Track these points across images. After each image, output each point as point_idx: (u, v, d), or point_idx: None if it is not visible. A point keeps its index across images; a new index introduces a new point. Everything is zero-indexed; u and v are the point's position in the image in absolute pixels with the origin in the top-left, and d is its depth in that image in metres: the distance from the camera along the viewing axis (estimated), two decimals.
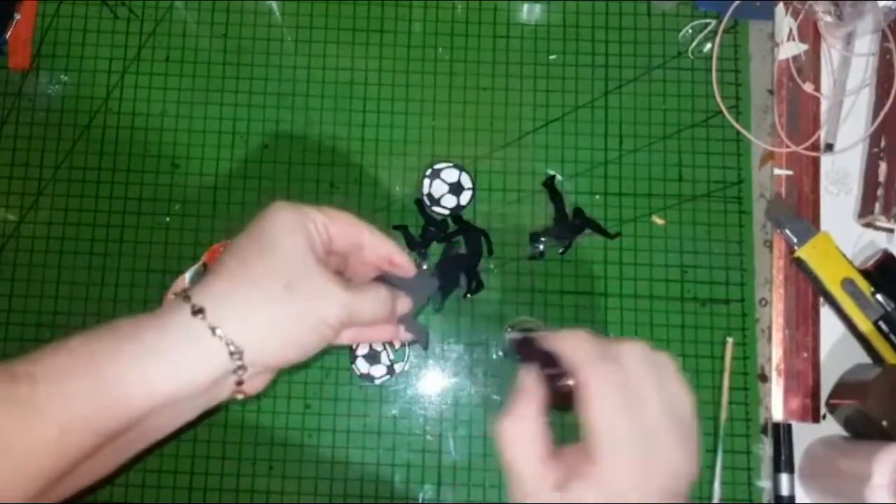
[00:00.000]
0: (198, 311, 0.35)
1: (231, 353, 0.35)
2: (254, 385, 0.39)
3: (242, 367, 0.36)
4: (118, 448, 0.35)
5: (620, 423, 0.33)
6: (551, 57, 0.64)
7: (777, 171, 0.61)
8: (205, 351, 0.35)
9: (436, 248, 0.61)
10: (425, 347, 0.59)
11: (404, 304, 0.43)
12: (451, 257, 0.60)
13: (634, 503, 0.33)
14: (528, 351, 0.39)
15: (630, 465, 0.33)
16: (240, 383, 0.37)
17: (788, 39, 0.63)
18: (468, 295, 0.60)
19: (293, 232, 0.38)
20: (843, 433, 0.57)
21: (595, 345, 0.36)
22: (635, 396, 0.34)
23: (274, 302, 0.36)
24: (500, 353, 0.40)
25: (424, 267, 0.60)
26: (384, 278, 0.44)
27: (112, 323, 0.35)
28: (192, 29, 0.64)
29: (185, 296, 0.36)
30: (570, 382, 0.36)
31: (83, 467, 0.34)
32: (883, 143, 0.60)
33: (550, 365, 0.37)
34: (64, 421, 0.32)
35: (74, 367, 0.33)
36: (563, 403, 0.37)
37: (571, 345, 0.36)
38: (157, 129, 0.63)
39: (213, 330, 0.35)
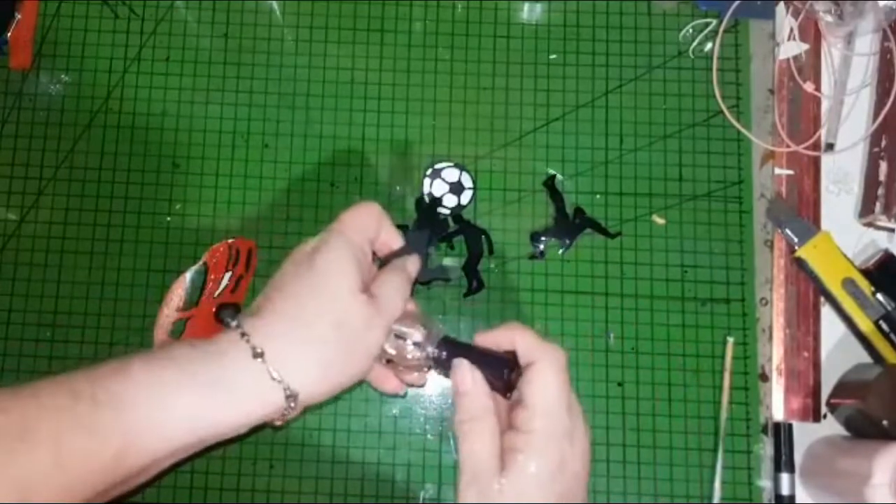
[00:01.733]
0: (258, 355, 0.36)
1: (287, 397, 0.36)
2: (294, 413, 0.40)
3: (293, 408, 0.37)
4: (153, 470, 0.37)
5: (564, 398, 0.38)
6: (551, 57, 0.64)
7: (778, 171, 0.61)
8: (263, 394, 0.36)
9: (436, 249, 0.61)
10: (449, 280, 0.59)
11: (414, 263, 0.44)
12: (422, 211, 0.61)
13: (565, 463, 0.37)
14: (456, 354, 0.41)
15: (561, 433, 0.37)
16: (285, 416, 0.38)
17: (789, 39, 0.63)
18: (468, 295, 0.60)
19: (345, 270, 0.39)
20: (844, 433, 0.57)
21: (534, 331, 0.40)
22: (566, 376, 0.39)
23: (326, 344, 0.37)
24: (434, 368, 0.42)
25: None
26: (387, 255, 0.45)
27: (170, 350, 0.36)
28: (193, 29, 0.64)
29: (241, 332, 0.37)
30: (514, 377, 0.39)
31: (126, 483, 0.35)
32: (884, 143, 0.60)
33: (482, 361, 0.40)
34: (121, 448, 0.33)
35: (136, 396, 0.34)
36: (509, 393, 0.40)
37: (518, 333, 0.40)
38: (158, 128, 0.63)
39: (271, 375, 0.36)
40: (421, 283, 0.59)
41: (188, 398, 0.35)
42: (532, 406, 0.38)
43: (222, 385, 0.36)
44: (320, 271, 0.39)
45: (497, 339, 0.41)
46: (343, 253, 0.40)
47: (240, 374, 0.36)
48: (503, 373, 0.39)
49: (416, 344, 0.41)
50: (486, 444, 0.38)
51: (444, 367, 0.41)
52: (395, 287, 0.42)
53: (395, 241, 0.45)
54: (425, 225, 0.60)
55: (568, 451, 0.37)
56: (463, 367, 0.40)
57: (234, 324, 0.37)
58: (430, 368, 0.43)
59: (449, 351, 0.41)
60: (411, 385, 0.45)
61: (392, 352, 0.42)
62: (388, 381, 0.44)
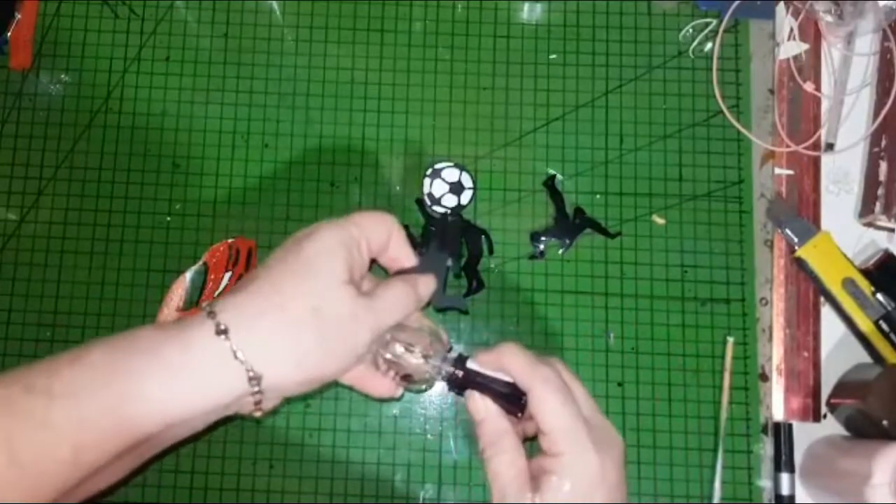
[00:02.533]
0: (222, 332, 0.34)
1: (250, 379, 0.34)
2: (270, 405, 0.38)
3: (260, 392, 0.35)
4: (127, 460, 0.35)
5: (569, 413, 0.38)
6: (551, 57, 0.64)
7: (778, 171, 0.61)
8: (224, 374, 0.34)
9: (435, 233, 0.61)
10: (465, 311, 0.59)
11: (427, 284, 0.42)
12: (441, 230, 0.60)
13: (600, 476, 0.37)
14: (469, 379, 0.41)
15: (587, 449, 0.37)
16: (257, 403, 0.36)
17: (789, 39, 0.63)
18: (468, 295, 0.60)
19: (332, 256, 0.37)
20: (844, 433, 0.57)
21: (528, 353, 0.40)
22: (570, 393, 0.39)
23: (300, 326, 0.35)
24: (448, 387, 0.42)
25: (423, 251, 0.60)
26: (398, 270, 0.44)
27: (134, 333, 0.35)
28: (193, 28, 0.64)
29: (210, 311, 0.35)
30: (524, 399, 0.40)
31: (92, 479, 0.34)
32: (884, 143, 0.60)
33: (503, 385, 0.40)
34: (78, 441, 0.32)
35: (93, 383, 0.33)
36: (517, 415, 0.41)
37: (509, 359, 0.40)
38: (158, 129, 0.63)
39: (234, 353, 0.34)
40: (436, 310, 0.59)
41: (149, 382, 0.33)
42: (550, 431, 0.38)
43: (184, 366, 0.34)
44: (306, 254, 0.37)
45: (494, 361, 0.41)
46: (334, 241, 0.38)
47: (202, 352, 0.34)
48: (510, 398, 0.40)
49: (425, 357, 0.41)
50: (508, 465, 0.38)
51: (456, 388, 0.41)
52: (396, 294, 0.39)
53: (407, 258, 0.43)
54: (445, 243, 0.60)
55: (601, 464, 0.38)
56: (474, 398, 0.40)
57: (204, 304, 0.36)
58: (433, 383, 0.42)
59: (463, 377, 0.41)
60: (418, 391, 0.44)
61: (388, 356, 0.41)
62: (376, 383, 0.42)
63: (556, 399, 0.38)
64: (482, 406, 0.40)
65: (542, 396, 0.38)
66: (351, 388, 0.42)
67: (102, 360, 0.33)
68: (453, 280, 0.60)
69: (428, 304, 0.43)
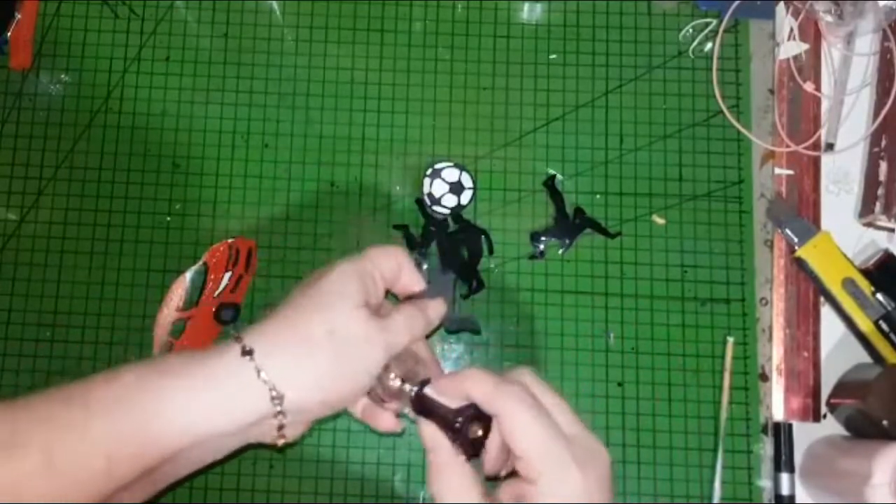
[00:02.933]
0: (247, 353, 0.36)
1: (272, 398, 0.36)
2: (293, 432, 0.39)
3: (282, 413, 0.37)
4: (152, 481, 0.36)
5: (543, 433, 0.36)
6: (551, 57, 0.64)
7: (778, 171, 0.61)
8: (248, 392, 0.36)
9: (436, 248, 0.61)
10: (478, 332, 0.59)
11: (437, 308, 0.43)
12: (445, 248, 0.60)
13: (583, 495, 0.35)
14: (425, 406, 0.40)
15: (567, 467, 0.35)
16: (280, 427, 0.38)
17: (789, 39, 0.63)
18: (468, 296, 0.60)
19: (347, 285, 0.39)
20: (844, 432, 0.57)
21: (492, 375, 0.38)
22: (542, 409, 0.37)
23: (318, 348, 0.37)
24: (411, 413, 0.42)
25: (425, 267, 0.60)
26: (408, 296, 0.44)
27: (165, 357, 0.37)
28: (193, 29, 0.64)
29: (236, 336, 0.37)
30: (476, 430, 0.38)
31: (119, 495, 0.35)
32: (883, 143, 0.60)
33: (453, 414, 0.38)
34: (112, 453, 0.33)
35: (125, 400, 0.34)
36: (476, 452, 0.39)
37: (471, 384, 0.38)
38: (158, 129, 0.63)
39: (258, 372, 0.36)
40: (448, 332, 0.59)
41: (176, 400, 0.35)
42: (524, 453, 0.36)
43: (211, 383, 0.36)
44: (323, 285, 0.39)
45: (456, 387, 0.39)
46: (349, 274, 0.40)
47: (227, 372, 0.36)
48: (455, 429, 0.38)
49: (402, 381, 0.40)
50: (455, 495, 0.37)
51: (418, 414, 0.40)
52: (407, 316, 0.41)
53: (417, 284, 0.44)
54: (450, 263, 0.59)
55: (584, 481, 0.35)
56: (422, 426, 0.39)
57: (231, 327, 0.38)
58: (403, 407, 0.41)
59: (416, 403, 0.40)
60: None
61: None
62: (378, 417, 0.43)
63: (526, 416, 0.36)
64: (428, 435, 0.39)
65: (510, 416, 0.36)
66: (364, 423, 0.44)
67: (134, 379, 0.35)
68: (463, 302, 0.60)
69: (440, 326, 0.44)
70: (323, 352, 0.37)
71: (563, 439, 0.36)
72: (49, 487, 0.32)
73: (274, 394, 0.36)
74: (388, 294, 0.44)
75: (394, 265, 0.42)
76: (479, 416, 0.38)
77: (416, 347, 0.43)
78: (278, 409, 0.36)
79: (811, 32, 0.63)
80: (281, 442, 0.39)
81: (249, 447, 0.39)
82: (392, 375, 0.40)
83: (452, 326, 0.43)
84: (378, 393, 0.41)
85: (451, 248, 0.60)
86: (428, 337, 0.44)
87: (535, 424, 0.36)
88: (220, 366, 0.36)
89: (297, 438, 0.40)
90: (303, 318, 0.38)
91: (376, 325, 0.39)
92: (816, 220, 0.60)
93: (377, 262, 0.41)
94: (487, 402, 0.37)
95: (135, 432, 0.34)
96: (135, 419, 0.34)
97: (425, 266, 0.60)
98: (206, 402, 0.35)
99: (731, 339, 0.59)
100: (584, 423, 0.38)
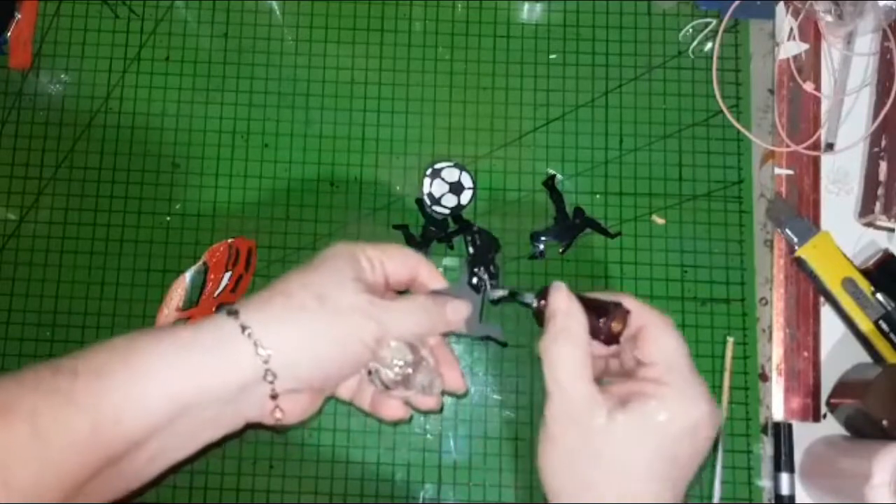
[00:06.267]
0: (232, 313, 0.36)
1: (258, 354, 0.35)
2: (293, 408, 0.38)
3: (271, 373, 0.36)
4: (142, 459, 0.35)
5: (688, 357, 0.38)
6: (551, 57, 0.64)
7: (777, 171, 0.61)
8: (233, 349, 0.35)
9: (437, 248, 0.61)
10: (504, 343, 0.58)
11: (458, 308, 0.42)
12: (477, 245, 0.60)
13: (699, 427, 0.36)
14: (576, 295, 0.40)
15: (700, 394, 0.36)
16: (274, 397, 0.37)
17: (789, 39, 0.63)
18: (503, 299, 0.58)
19: (339, 257, 0.40)
20: (844, 432, 0.57)
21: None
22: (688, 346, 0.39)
23: (305, 312, 0.37)
24: (532, 306, 0.41)
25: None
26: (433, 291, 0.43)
27: (155, 328, 0.38)
28: (193, 28, 0.64)
29: (226, 306, 0.38)
30: (621, 324, 0.39)
31: (107, 477, 0.34)
32: (883, 143, 0.60)
33: (590, 309, 0.39)
34: (96, 415, 0.33)
35: (111, 362, 0.34)
36: (608, 342, 0.39)
37: (626, 297, 0.40)
38: (157, 128, 0.63)
39: (243, 329, 0.36)
40: (473, 338, 0.58)
41: (165, 357, 0.35)
42: (660, 362, 0.37)
43: (198, 343, 0.35)
44: (316, 259, 0.40)
45: (606, 297, 0.40)
46: (344, 250, 0.40)
47: (215, 333, 0.36)
48: (607, 313, 0.38)
49: (404, 370, 0.40)
50: (573, 366, 0.36)
51: (536, 305, 0.40)
52: (417, 305, 0.40)
53: (435, 282, 0.44)
54: (477, 262, 0.59)
55: (709, 415, 0.36)
56: (562, 289, 0.39)
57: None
58: (442, 406, 0.41)
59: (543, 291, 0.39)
60: (428, 411, 0.43)
61: (370, 367, 0.40)
62: (384, 405, 0.43)
63: (676, 338, 0.38)
64: (563, 299, 0.38)
65: (659, 327, 0.38)
66: (368, 414, 0.43)
67: (123, 343, 0.35)
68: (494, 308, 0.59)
69: (462, 333, 0.43)
70: (311, 314, 0.37)
71: (693, 368, 0.38)
72: (35, 455, 0.32)
73: (260, 351, 0.35)
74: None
75: (399, 260, 0.42)
76: (624, 319, 0.39)
77: (436, 347, 0.42)
78: (266, 367, 0.36)
79: (811, 32, 0.63)
80: (279, 417, 0.38)
81: (248, 428, 0.38)
82: (396, 360, 0.40)
83: (477, 334, 0.42)
84: (382, 379, 0.40)
85: (484, 246, 0.60)
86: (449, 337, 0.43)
87: (683, 347, 0.38)
88: (207, 329, 0.36)
89: (297, 419, 0.39)
90: (292, 285, 0.38)
91: (372, 300, 0.38)
92: (816, 220, 0.60)
93: (383, 251, 0.41)
94: (641, 310, 0.39)
95: (122, 395, 0.33)
96: (121, 380, 0.34)
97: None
98: (192, 361, 0.35)
99: (731, 339, 0.59)
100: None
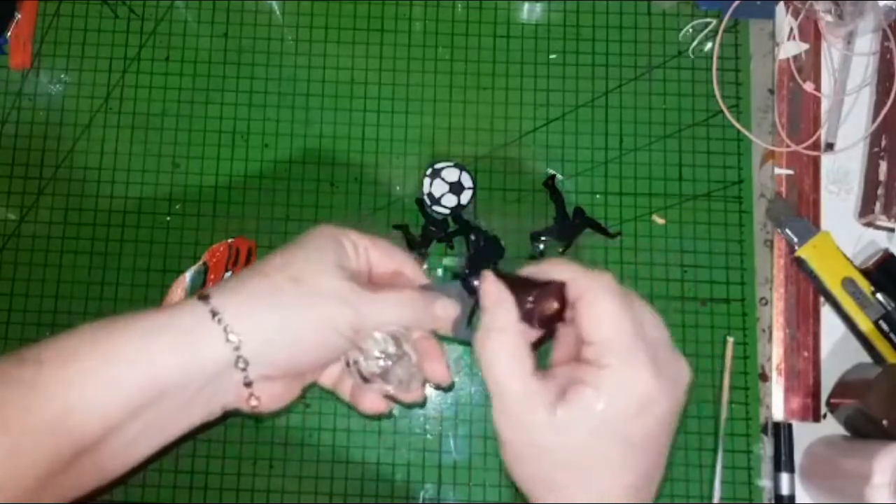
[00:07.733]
0: (203, 297, 0.35)
1: (228, 340, 0.34)
2: (270, 395, 0.37)
3: (242, 360, 0.35)
4: (119, 445, 0.34)
5: (627, 324, 0.32)
6: (551, 56, 0.64)
7: (777, 171, 0.61)
8: (203, 335, 0.34)
9: (437, 248, 0.61)
10: None
11: (448, 307, 0.40)
12: (475, 250, 0.60)
13: (647, 404, 0.31)
14: (500, 276, 0.36)
15: (641, 368, 0.31)
16: (248, 384, 0.36)
17: (789, 39, 0.63)
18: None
19: (322, 237, 0.38)
20: (844, 432, 0.57)
21: (579, 264, 0.35)
22: (629, 301, 0.33)
23: (279, 294, 0.35)
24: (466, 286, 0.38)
25: (424, 267, 0.60)
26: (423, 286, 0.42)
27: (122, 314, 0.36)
28: (193, 28, 0.64)
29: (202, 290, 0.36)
30: (553, 304, 0.34)
31: (83, 465, 0.33)
32: (883, 143, 0.60)
33: (523, 292, 0.35)
34: (65, 401, 0.32)
35: (78, 348, 0.33)
36: (544, 328, 0.35)
37: (558, 267, 0.35)
38: (157, 128, 0.63)
39: (213, 314, 0.34)
40: (457, 341, 0.57)
41: (133, 342, 0.34)
42: (598, 341, 0.32)
43: (164, 327, 0.34)
44: (300, 239, 0.38)
45: (539, 274, 0.36)
46: (326, 231, 0.38)
47: (182, 316, 0.35)
48: (530, 297, 0.34)
49: (383, 354, 0.38)
50: (506, 362, 0.33)
51: (467, 294, 0.37)
52: (403, 297, 0.38)
53: (420, 278, 0.42)
54: (477, 265, 0.58)
55: (657, 389, 0.31)
56: (488, 279, 0.35)
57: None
58: (424, 399, 0.39)
59: (474, 269, 0.38)
60: (412, 405, 0.42)
61: (350, 359, 0.39)
62: (366, 396, 0.41)
63: (611, 302, 0.32)
64: (492, 291, 0.35)
65: (594, 299, 0.33)
66: (350, 407, 0.42)
67: (89, 329, 0.34)
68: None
69: (447, 335, 0.42)
70: (284, 297, 0.35)
71: (644, 339, 0.32)
72: (3, 448, 0.31)
73: (231, 337, 0.34)
74: None
75: (385, 251, 0.40)
76: (559, 296, 0.34)
77: (421, 340, 0.40)
78: (237, 353, 0.34)
79: (811, 32, 0.63)
80: (254, 405, 0.36)
81: (227, 416, 0.37)
82: (376, 352, 0.38)
83: (463, 337, 0.41)
84: (362, 370, 0.39)
85: (487, 250, 0.59)
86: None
87: (620, 313, 0.32)
88: (178, 314, 0.35)
89: (275, 407, 0.38)
90: (267, 267, 0.36)
91: (351, 287, 0.36)
92: (816, 220, 0.60)
93: (371, 240, 0.40)
94: (574, 279, 0.34)
95: (88, 377, 0.32)
96: (90, 366, 0.33)
97: (425, 266, 0.60)
98: (162, 346, 0.34)
99: (731, 339, 0.59)
100: (675, 347, 0.34)
